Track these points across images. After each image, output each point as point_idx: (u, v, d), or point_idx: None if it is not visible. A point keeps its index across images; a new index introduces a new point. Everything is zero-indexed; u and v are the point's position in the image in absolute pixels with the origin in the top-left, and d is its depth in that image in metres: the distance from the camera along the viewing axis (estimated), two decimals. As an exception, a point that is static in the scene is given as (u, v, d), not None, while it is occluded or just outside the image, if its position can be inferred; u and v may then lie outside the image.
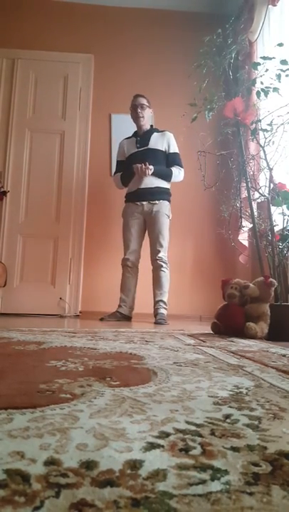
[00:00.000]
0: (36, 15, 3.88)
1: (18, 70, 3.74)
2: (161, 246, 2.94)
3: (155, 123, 3.81)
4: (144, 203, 2.95)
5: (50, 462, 0.36)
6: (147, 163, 2.87)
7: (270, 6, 2.95)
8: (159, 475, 0.34)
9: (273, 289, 1.84)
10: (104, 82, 3.82)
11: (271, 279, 1.84)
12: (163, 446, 0.40)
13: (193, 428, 0.47)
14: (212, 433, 0.45)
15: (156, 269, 2.94)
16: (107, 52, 3.88)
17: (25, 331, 1.64)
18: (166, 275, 2.94)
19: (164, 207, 2.97)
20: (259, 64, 2.25)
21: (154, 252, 2.94)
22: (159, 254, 2.92)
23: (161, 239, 2.95)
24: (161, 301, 2.90)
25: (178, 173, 3.02)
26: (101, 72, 3.85)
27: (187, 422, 0.49)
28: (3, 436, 0.42)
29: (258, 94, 2.18)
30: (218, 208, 2.83)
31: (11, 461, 0.36)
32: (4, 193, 3.54)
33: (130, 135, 3.16)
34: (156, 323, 2.78)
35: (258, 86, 2.24)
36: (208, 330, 1.98)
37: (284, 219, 2.01)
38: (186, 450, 0.40)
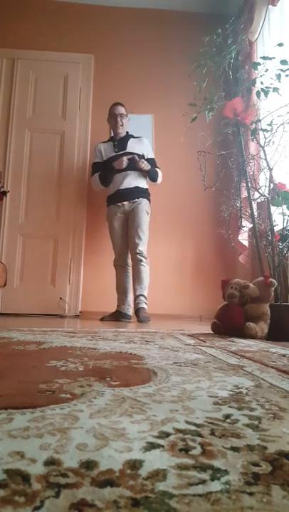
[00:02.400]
0: (36, 15, 3.88)
1: (18, 70, 3.74)
2: (140, 239, 2.93)
3: (155, 123, 3.82)
4: (125, 202, 3.00)
5: (50, 462, 0.36)
6: (136, 157, 2.96)
7: (270, 6, 2.95)
8: (159, 475, 0.34)
9: (273, 289, 1.84)
10: (104, 82, 3.82)
11: (271, 279, 1.84)
12: (163, 446, 0.40)
13: (193, 428, 0.47)
14: (212, 433, 0.45)
15: (136, 263, 2.92)
16: (107, 52, 3.88)
17: (26, 331, 1.64)
18: (146, 270, 2.92)
19: (143, 204, 3.01)
20: (259, 64, 2.25)
21: (134, 247, 2.94)
22: (139, 248, 2.91)
23: (141, 233, 2.94)
24: (142, 295, 2.89)
25: (161, 175, 3.14)
26: (101, 72, 3.85)
27: (187, 422, 0.49)
28: (3, 436, 0.42)
29: (258, 94, 2.17)
30: (218, 207, 2.83)
31: (11, 461, 0.36)
32: (4, 193, 3.54)
33: (106, 140, 3.27)
34: (139, 321, 2.76)
35: (257, 86, 2.24)
36: (208, 330, 1.98)
37: (284, 219, 2.01)
38: (186, 450, 0.40)
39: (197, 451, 0.40)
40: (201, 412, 0.53)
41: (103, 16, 3.92)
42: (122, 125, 3.11)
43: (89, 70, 3.82)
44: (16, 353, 1.04)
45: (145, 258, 2.92)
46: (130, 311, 3.01)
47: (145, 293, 2.90)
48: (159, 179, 3.13)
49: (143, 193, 3.04)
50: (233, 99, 2.30)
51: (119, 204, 3.02)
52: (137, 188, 3.00)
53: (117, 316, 2.96)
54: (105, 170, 3.05)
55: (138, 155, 3.02)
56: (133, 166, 2.97)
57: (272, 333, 1.79)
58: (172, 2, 3.86)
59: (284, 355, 1.14)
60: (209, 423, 0.49)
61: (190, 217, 3.70)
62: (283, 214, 2.01)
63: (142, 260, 2.90)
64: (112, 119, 3.15)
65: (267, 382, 0.74)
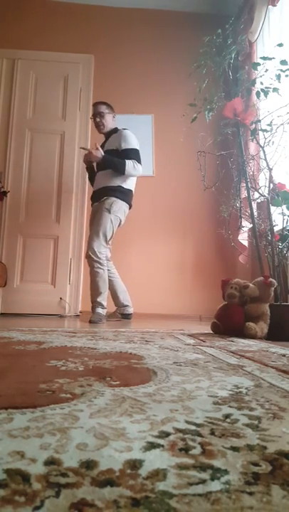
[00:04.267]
0: (36, 15, 3.88)
1: (19, 71, 3.74)
2: (93, 240, 2.74)
3: (155, 123, 3.81)
4: (96, 203, 2.91)
5: (51, 462, 0.36)
6: (91, 151, 2.81)
7: (269, 6, 2.95)
8: (159, 475, 0.34)
9: (273, 288, 1.84)
10: (104, 83, 3.82)
11: (271, 279, 1.84)
12: (163, 446, 0.40)
13: (193, 428, 0.47)
14: (212, 433, 0.45)
15: (89, 267, 2.76)
16: (108, 53, 3.88)
17: (26, 331, 1.64)
18: (96, 274, 2.72)
19: (106, 202, 2.80)
20: (259, 64, 2.25)
21: (87, 249, 2.79)
22: (92, 250, 2.71)
23: (94, 234, 2.75)
24: (95, 301, 2.72)
25: (132, 165, 2.80)
26: (101, 72, 3.85)
27: (187, 422, 0.49)
28: (3, 436, 0.42)
29: (258, 94, 2.18)
30: (218, 208, 2.83)
31: (11, 461, 0.36)
32: (4, 193, 3.54)
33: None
34: (90, 322, 2.61)
35: (257, 86, 2.24)
36: (208, 330, 1.98)
37: (283, 219, 2.01)
38: (186, 450, 0.40)
39: (197, 450, 0.40)
40: (200, 412, 0.53)
41: (103, 17, 3.92)
42: (103, 125, 2.95)
43: (89, 71, 3.82)
44: (16, 353, 1.04)
45: (96, 262, 2.70)
46: (130, 310, 2.96)
47: (100, 299, 2.71)
48: (127, 170, 2.79)
49: (110, 190, 2.83)
50: (232, 100, 2.30)
51: (93, 205, 2.96)
52: (104, 187, 2.84)
53: (117, 316, 2.93)
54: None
55: (113, 150, 2.82)
56: (103, 164, 2.83)
57: (272, 333, 1.79)
58: (172, 2, 3.86)
59: (284, 355, 1.14)
60: (209, 423, 0.49)
61: (190, 217, 3.70)
62: (283, 214, 2.01)
63: (92, 265, 2.72)
64: (93, 120, 3.03)
65: (267, 382, 0.75)
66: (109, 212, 2.78)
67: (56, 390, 0.63)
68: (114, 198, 2.81)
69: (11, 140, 3.66)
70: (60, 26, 3.88)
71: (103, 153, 2.81)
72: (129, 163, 2.79)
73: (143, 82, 3.85)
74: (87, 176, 3.13)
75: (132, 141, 2.88)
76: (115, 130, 2.97)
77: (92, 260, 2.72)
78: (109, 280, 2.85)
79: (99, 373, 0.77)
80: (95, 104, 3.02)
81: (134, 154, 2.83)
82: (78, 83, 3.78)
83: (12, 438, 0.42)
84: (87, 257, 2.75)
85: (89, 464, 0.36)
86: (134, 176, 2.89)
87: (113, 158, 2.80)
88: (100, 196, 2.85)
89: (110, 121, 3.00)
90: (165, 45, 3.92)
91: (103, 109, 2.98)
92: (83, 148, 3.03)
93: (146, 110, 3.80)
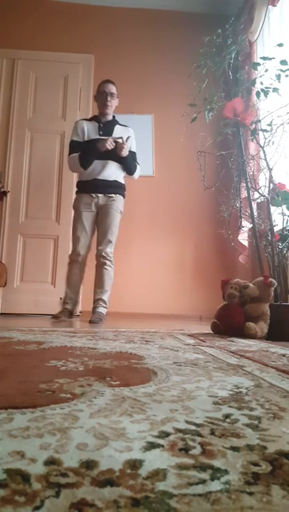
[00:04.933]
0: (36, 15, 3.88)
1: (19, 71, 3.74)
2: (110, 242, 2.74)
3: (155, 123, 3.81)
4: (100, 195, 2.74)
5: (51, 462, 0.36)
6: (124, 139, 2.69)
7: (269, 7, 2.96)
8: (159, 475, 0.34)
9: (273, 288, 1.84)
10: (104, 83, 3.82)
11: (271, 279, 1.84)
12: (163, 446, 0.40)
13: (193, 428, 0.47)
14: (212, 433, 0.45)
15: (100, 265, 2.72)
16: (108, 53, 3.88)
17: (26, 331, 1.64)
18: (109, 273, 2.73)
19: (118, 201, 2.78)
20: (259, 64, 2.25)
21: (101, 248, 2.73)
22: (106, 250, 2.71)
23: (111, 235, 2.74)
24: (101, 299, 2.71)
25: (139, 171, 2.87)
26: (101, 72, 3.83)
27: (187, 422, 0.49)
28: (3, 435, 0.42)
29: (258, 94, 2.18)
30: (218, 208, 2.84)
31: (11, 461, 0.36)
32: (4, 193, 3.54)
33: (88, 117, 2.96)
34: (90, 322, 2.56)
35: (257, 86, 2.24)
36: (208, 330, 1.98)
37: (284, 219, 2.01)
38: (186, 450, 0.40)
39: (197, 450, 0.40)
40: (200, 412, 0.53)
41: (103, 16, 3.92)
42: (112, 106, 2.80)
43: (89, 71, 3.82)
44: (16, 353, 1.04)
45: (111, 261, 2.73)
46: (75, 309, 2.87)
47: (105, 297, 2.71)
48: (136, 174, 2.86)
49: (120, 188, 2.79)
50: (232, 100, 2.30)
51: (94, 195, 2.75)
52: (115, 182, 2.75)
53: (66, 315, 2.75)
54: (86, 151, 2.73)
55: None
56: (116, 155, 2.69)
57: (272, 333, 1.79)
58: (172, 2, 3.86)
59: (284, 355, 1.14)
60: (209, 423, 0.49)
61: (190, 217, 3.70)
62: (283, 214, 2.01)
63: (105, 263, 2.71)
64: (100, 97, 2.81)
65: (267, 381, 0.75)
66: (121, 213, 2.82)
67: (56, 390, 0.63)
68: (121, 197, 2.82)
69: (11, 140, 3.66)
70: (60, 26, 3.88)
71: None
72: (138, 169, 2.86)
73: (143, 82, 3.85)
74: (77, 155, 2.76)
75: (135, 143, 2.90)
76: (116, 121, 2.88)
77: (107, 260, 2.72)
78: (82, 278, 2.84)
79: (99, 373, 0.77)
80: (107, 82, 2.83)
81: (136, 159, 2.88)
82: (78, 83, 3.78)
83: (12, 438, 0.42)
84: (101, 257, 2.71)
85: (89, 464, 0.36)
86: (134, 179, 2.92)
87: (131, 159, 2.79)
88: (108, 190, 2.74)
89: (114, 105, 2.87)
90: (165, 45, 3.92)
91: (115, 90, 2.83)
92: (116, 140, 2.69)
93: (146, 110, 3.80)
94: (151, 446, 0.40)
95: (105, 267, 2.73)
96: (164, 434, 0.44)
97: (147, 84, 3.85)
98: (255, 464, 0.37)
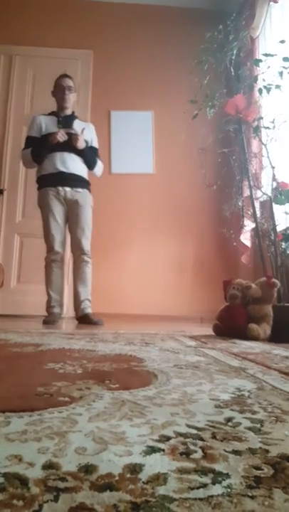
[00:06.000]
0: (34, 11, 3.86)
1: (16, 67, 3.72)
2: (87, 239, 2.71)
3: (155, 119, 3.78)
4: (68, 189, 2.67)
5: (49, 466, 0.36)
6: (78, 131, 2.65)
7: (271, 3, 2.95)
8: (159, 479, 0.34)
9: (276, 289, 1.83)
10: (103, 79, 3.79)
11: (274, 280, 1.83)
12: (163, 450, 0.40)
13: (194, 431, 0.46)
14: (213, 436, 0.45)
15: (82, 264, 2.68)
16: (107, 49, 3.85)
17: (23, 333, 1.64)
18: (90, 271, 2.72)
19: (88, 197, 2.74)
20: (261, 61, 2.24)
21: (80, 246, 2.69)
22: (86, 248, 2.68)
23: (88, 231, 2.72)
24: (88, 299, 2.69)
25: (101, 166, 2.83)
26: (100, 68, 3.83)
27: (188, 426, 0.48)
28: (0, 439, 0.42)
29: (260, 91, 2.16)
30: (220, 206, 2.83)
31: (9, 465, 0.36)
32: (1, 192, 3.53)
33: (47, 113, 2.88)
34: (95, 323, 2.53)
35: (259, 83, 2.23)
36: (209, 331, 1.98)
37: (287, 218, 2.00)
38: (187, 454, 0.40)
39: (198, 454, 0.39)
40: (202, 416, 0.53)
41: (102, 12, 3.90)
42: (70, 99, 2.76)
43: (88, 67, 3.79)
44: (14, 355, 1.03)
45: (90, 258, 2.72)
46: (62, 311, 2.82)
47: (89, 296, 2.71)
48: (98, 170, 2.81)
49: (86, 183, 2.74)
50: (234, 96, 2.29)
51: (60, 188, 2.67)
52: (82, 177, 2.70)
53: (57, 318, 2.69)
54: (40, 145, 2.67)
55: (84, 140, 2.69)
56: (73, 146, 2.62)
57: (275, 335, 1.78)
58: (173, -2, 3.84)
59: (287, 357, 1.13)
60: (210, 426, 0.48)
61: (191, 216, 3.68)
62: (286, 213, 2.00)
63: (88, 261, 2.69)
64: (58, 92, 2.76)
65: (269, 384, 0.74)
66: (92, 208, 2.77)
67: (54, 394, 0.62)
68: (89, 192, 2.77)
69: (8, 137, 3.64)
70: (59, 22, 3.85)
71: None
72: (100, 165, 2.80)
73: (143, 78, 3.83)
74: (29, 150, 2.69)
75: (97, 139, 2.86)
76: (75, 116, 2.83)
77: (88, 258, 2.71)
78: (63, 278, 2.82)
79: (98, 376, 0.77)
80: (64, 77, 2.80)
81: (98, 155, 2.83)
82: (77, 79, 3.74)
83: (9, 442, 0.41)
84: (82, 253, 2.68)
85: (88, 468, 0.35)
86: (97, 176, 2.86)
87: (91, 152, 2.74)
88: (75, 184, 2.69)
89: (73, 100, 2.82)
90: (165, 41, 3.89)
91: (71, 84, 2.79)
92: (69, 132, 2.63)
93: (147, 107, 3.77)
94: (151, 450, 0.40)
95: (87, 265, 2.71)
96: (165, 438, 0.44)
97: (147, 80, 3.82)
98: (257, 468, 0.37)
